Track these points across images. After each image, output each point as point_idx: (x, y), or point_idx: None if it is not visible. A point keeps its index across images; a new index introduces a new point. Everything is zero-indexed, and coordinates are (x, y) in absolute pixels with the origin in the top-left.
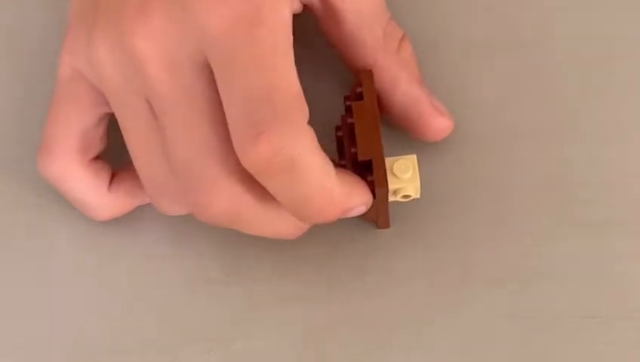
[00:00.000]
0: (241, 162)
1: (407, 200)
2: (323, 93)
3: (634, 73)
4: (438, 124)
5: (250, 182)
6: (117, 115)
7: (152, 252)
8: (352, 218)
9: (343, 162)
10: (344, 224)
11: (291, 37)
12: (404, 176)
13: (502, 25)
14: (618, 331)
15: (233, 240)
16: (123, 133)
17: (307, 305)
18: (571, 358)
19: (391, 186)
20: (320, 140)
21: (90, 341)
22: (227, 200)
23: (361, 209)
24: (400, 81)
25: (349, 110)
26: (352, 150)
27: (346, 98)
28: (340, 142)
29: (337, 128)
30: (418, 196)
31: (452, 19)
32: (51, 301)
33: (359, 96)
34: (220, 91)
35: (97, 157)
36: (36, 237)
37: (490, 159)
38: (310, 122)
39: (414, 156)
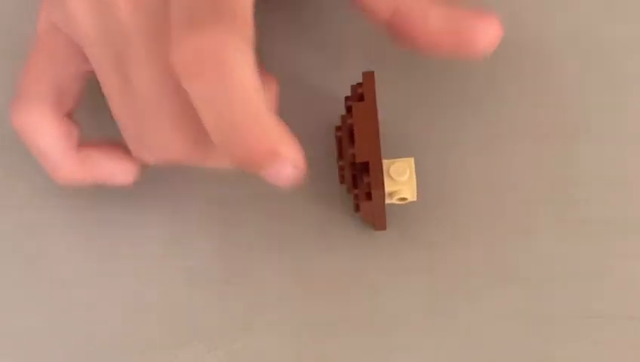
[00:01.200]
0: (171, 60)
1: (404, 203)
2: (324, 92)
3: (634, 73)
4: (484, 36)
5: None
6: (93, 64)
7: (152, 252)
8: (352, 219)
9: (341, 162)
10: (344, 224)
11: None
12: (401, 178)
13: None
14: (618, 331)
15: (233, 241)
16: (100, 81)
17: (307, 305)
18: (571, 358)
19: (387, 189)
20: (320, 140)
21: (90, 341)
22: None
23: (290, 168)
24: (426, 7)
25: (349, 110)
26: (350, 151)
27: (347, 98)
28: (339, 142)
29: (337, 128)
30: (414, 199)
31: None
32: (51, 301)
33: (360, 97)
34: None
35: (70, 117)
36: (36, 237)
37: (490, 159)
38: (311, 121)
39: (411, 159)
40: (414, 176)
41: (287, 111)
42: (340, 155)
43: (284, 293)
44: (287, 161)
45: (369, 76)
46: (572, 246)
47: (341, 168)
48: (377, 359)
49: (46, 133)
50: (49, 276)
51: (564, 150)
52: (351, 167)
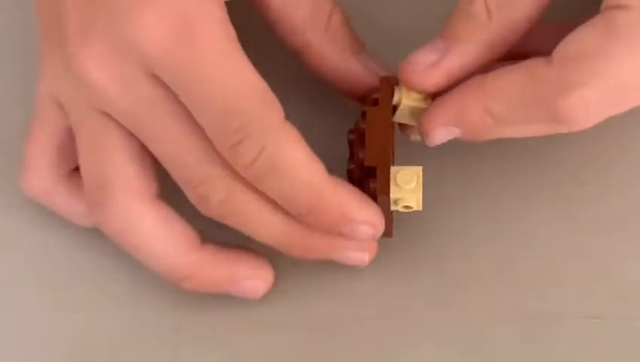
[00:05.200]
0: (234, 167)
1: (409, 211)
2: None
3: None
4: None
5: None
6: (78, 133)
7: None
8: None
9: (352, 165)
10: None
11: (233, 32)
12: (407, 186)
13: None
14: (618, 331)
15: (233, 241)
16: (84, 149)
17: (307, 305)
18: (571, 358)
19: (392, 195)
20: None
21: (90, 341)
22: (223, 191)
23: (366, 229)
24: (330, 56)
25: (363, 115)
26: (360, 155)
27: (363, 103)
28: (351, 145)
29: (350, 131)
30: (420, 208)
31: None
32: (51, 301)
33: (375, 102)
34: (184, 102)
35: (78, 169)
36: (36, 237)
37: (490, 159)
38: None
39: (420, 168)
40: (421, 185)
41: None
42: (351, 159)
43: (284, 293)
44: (364, 229)
45: (386, 81)
46: (570, 245)
47: (350, 171)
48: (377, 359)
49: (58, 195)
50: (49, 276)
51: (564, 150)
52: (360, 170)
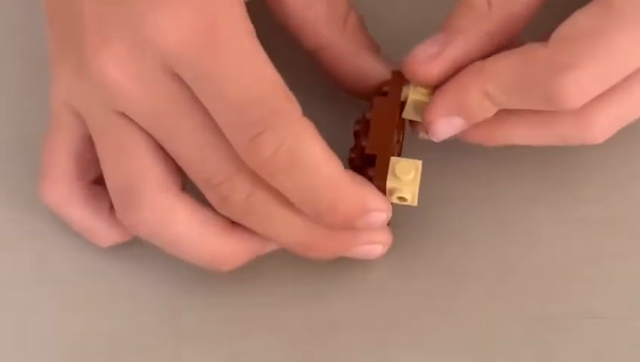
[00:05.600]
0: (249, 164)
1: (403, 203)
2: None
3: None
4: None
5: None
6: (98, 139)
7: (152, 252)
8: None
9: (352, 154)
10: None
11: (252, 28)
12: (404, 177)
13: None
14: (620, 331)
15: None
16: (105, 153)
17: (307, 305)
18: (571, 358)
19: (388, 184)
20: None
21: (90, 341)
22: (244, 190)
23: (380, 215)
24: (346, 56)
25: (372, 106)
26: (363, 143)
27: (372, 95)
28: (356, 136)
29: (356, 122)
30: (415, 203)
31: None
32: (51, 301)
33: (384, 95)
34: (202, 101)
35: (97, 182)
36: (36, 237)
37: (491, 159)
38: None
39: (420, 162)
40: (418, 179)
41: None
42: (354, 148)
43: (284, 293)
44: (378, 215)
45: (397, 75)
46: (572, 246)
47: (351, 160)
48: (377, 359)
49: (75, 206)
50: (49, 276)
51: (566, 151)
52: (360, 159)
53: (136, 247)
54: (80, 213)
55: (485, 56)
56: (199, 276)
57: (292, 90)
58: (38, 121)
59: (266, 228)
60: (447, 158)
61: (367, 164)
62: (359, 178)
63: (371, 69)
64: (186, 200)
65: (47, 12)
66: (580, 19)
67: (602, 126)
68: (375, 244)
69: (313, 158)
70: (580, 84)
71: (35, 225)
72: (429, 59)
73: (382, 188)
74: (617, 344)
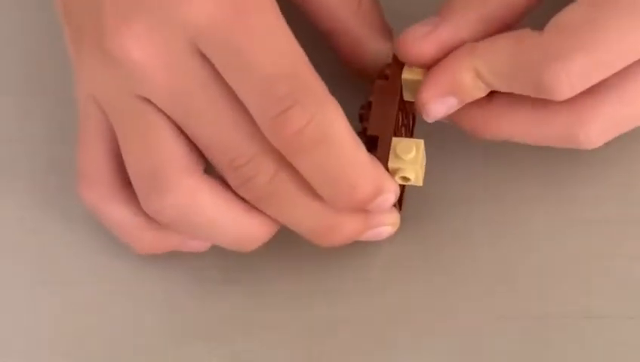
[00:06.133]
0: (273, 142)
1: (407, 183)
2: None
3: None
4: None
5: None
6: (119, 126)
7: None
8: None
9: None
10: None
11: (277, 5)
12: (406, 156)
13: None
14: (618, 331)
15: None
16: (127, 138)
17: (307, 304)
18: (570, 358)
19: (390, 164)
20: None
21: (90, 341)
22: (269, 171)
23: (391, 197)
24: (360, 38)
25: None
26: (364, 124)
27: (374, 80)
28: (362, 120)
29: (362, 107)
30: (420, 183)
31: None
32: (51, 301)
33: (385, 78)
34: (228, 80)
35: None
36: (37, 237)
37: (490, 159)
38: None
39: (422, 141)
40: (421, 157)
41: None
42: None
43: (285, 293)
44: (389, 197)
45: (399, 59)
46: (572, 246)
47: None
48: (377, 359)
49: (114, 205)
50: (49, 276)
51: (565, 151)
52: (363, 140)
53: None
54: (118, 213)
55: (479, 39)
56: (199, 276)
57: None
58: (38, 119)
59: (285, 212)
60: (448, 158)
61: (371, 146)
62: (375, 160)
63: (382, 52)
64: (211, 182)
65: (61, 11)
66: (577, 9)
67: (597, 126)
68: (386, 226)
69: (340, 137)
70: (571, 74)
71: (36, 224)
72: (420, 39)
73: (385, 169)
74: (617, 344)
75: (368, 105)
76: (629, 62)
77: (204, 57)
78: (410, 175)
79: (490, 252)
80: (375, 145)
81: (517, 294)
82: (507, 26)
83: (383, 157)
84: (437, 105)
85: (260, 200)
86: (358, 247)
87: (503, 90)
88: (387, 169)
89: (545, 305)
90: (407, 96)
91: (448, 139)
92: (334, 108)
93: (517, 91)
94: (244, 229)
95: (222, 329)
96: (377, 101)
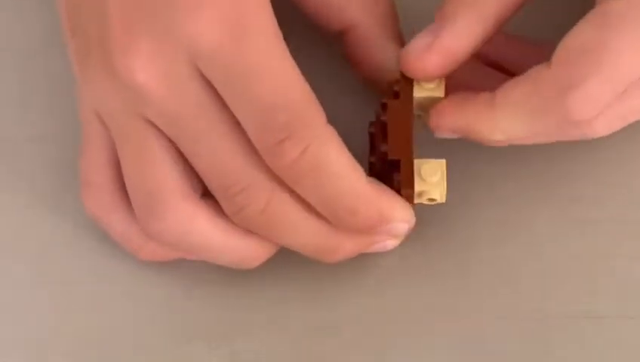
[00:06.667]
0: (272, 169)
1: (433, 203)
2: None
3: None
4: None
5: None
6: (120, 145)
7: None
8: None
9: (372, 159)
10: None
11: (280, 32)
12: (431, 179)
13: None
14: (618, 331)
15: None
16: (127, 158)
17: (307, 305)
18: (571, 358)
19: (416, 188)
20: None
21: (90, 341)
22: (263, 199)
23: (403, 226)
24: (372, 41)
25: (384, 107)
26: (383, 148)
27: (382, 96)
28: (372, 138)
29: (371, 124)
30: (443, 201)
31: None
32: (51, 301)
33: (396, 95)
34: (229, 104)
35: None
36: (37, 237)
37: (490, 159)
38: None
39: (444, 161)
40: (445, 178)
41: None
42: (372, 152)
43: (284, 293)
44: (401, 226)
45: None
46: (572, 246)
47: (371, 164)
48: (377, 359)
49: (117, 212)
50: (49, 276)
51: (566, 151)
52: (382, 164)
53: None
54: (120, 220)
55: (481, 42)
56: (199, 276)
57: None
58: (38, 119)
59: (283, 236)
60: (450, 159)
61: (390, 169)
62: (383, 188)
63: (393, 57)
64: (208, 207)
65: (66, 25)
66: (580, 33)
67: (602, 117)
68: (390, 240)
69: (336, 165)
70: (591, 98)
71: (36, 225)
72: (422, 53)
73: (410, 194)
74: (617, 344)
75: (379, 123)
76: None
77: (206, 81)
78: (436, 196)
79: (492, 252)
80: (397, 168)
81: (518, 294)
82: (504, 21)
83: (407, 181)
84: (449, 134)
85: (256, 227)
86: None
87: (528, 135)
88: (413, 193)
89: (546, 306)
90: (416, 111)
91: (450, 140)
92: (330, 137)
93: (543, 132)
94: (242, 252)
95: (222, 329)
96: (392, 122)
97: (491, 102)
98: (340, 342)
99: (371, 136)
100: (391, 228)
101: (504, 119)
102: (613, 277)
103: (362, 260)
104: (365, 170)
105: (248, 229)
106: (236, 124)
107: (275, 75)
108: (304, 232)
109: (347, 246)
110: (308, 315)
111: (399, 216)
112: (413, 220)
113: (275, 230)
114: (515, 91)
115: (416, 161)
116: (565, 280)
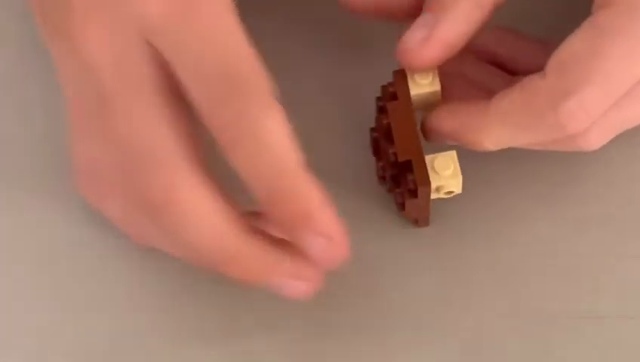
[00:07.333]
0: (211, 132)
1: (451, 196)
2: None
3: None
4: None
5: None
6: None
7: (152, 252)
8: (354, 217)
9: (381, 163)
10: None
11: (232, 5)
12: (446, 172)
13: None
14: (618, 331)
15: None
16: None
17: (307, 305)
18: (571, 358)
19: (433, 184)
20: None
21: (90, 341)
22: (167, 178)
23: (320, 242)
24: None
25: (383, 110)
26: (391, 151)
27: (379, 99)
28: (376, 143)
29: (372, 129)
30: (460, 191)
31: None
32: (52, 301)
33: (393, 96)
34: (178, 75)
35: None
36: (36, 237)
37: (490, 159)
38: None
39: (454, 152)
40: (459, 168)
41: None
42: (378, 156)
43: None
44: (317, 227)
45: (400, 74)
46: (572, 245)
47: (382, 168)
48: (377, 359)
49: (112, 206)
50: (49, 276)
51: (565, 151)
52: (392, 166)
53: (137, 247)
54: (117, 207)
55: (478, 28)
56: (199, 276)
57: (297, 82)
58: (35, 121)
59: (183, 224)
60: None
61: (402, 170)
62: (318, 187)
63: None
64: (200, 176)
65: (36, 11)
66: (572, 44)
67: (596, 129)
68: (300, 281)
69: (273, 135)
70: (584, 107)
71: (36, 225)
72: (419, 45)
73: (427, 192)
74: (617, 344)
75: (382, 129)
76: (637, 81)
77: (154, 50)
78: (454, 188)
79: (492, 252)
80: (409, 168)
81: (518, 294)
82: (500, 6)
83: (422, 178)
84: (439, 142)
85: (154, 215)
86: (358, 247)
87: (522, 143)
88: (430, 190)
89: (546, 305)
90: (415, 108)
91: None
92: (271, 109)
93: (536, 140)
94: (229, 244)
95: (222, 329)
96: (396, 124)
97: (485, 111)
98: (340, 342)
99: (375, 141)
100: (308, 236)
101: (498, 127)
102: (613, 277)
103: (362, 260)
104: (372, 177)
105: (149, 217)
106: (177, 100)
107: (222, 43)
108: (206, 225)
109: (252, 260)
110: (307, 315)
111: (322, 217)
112: (335, 242)
113: (176, 221)
114: (508, 98)
115: (427, 158)
116: (565, 280)
